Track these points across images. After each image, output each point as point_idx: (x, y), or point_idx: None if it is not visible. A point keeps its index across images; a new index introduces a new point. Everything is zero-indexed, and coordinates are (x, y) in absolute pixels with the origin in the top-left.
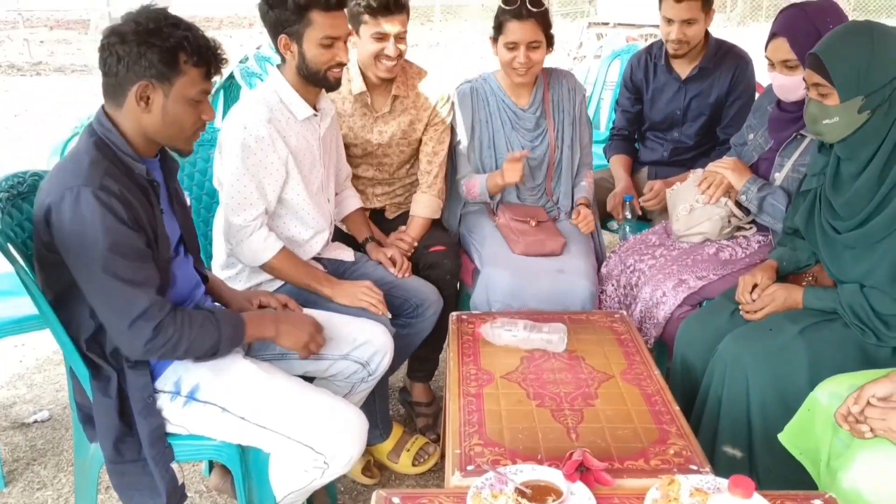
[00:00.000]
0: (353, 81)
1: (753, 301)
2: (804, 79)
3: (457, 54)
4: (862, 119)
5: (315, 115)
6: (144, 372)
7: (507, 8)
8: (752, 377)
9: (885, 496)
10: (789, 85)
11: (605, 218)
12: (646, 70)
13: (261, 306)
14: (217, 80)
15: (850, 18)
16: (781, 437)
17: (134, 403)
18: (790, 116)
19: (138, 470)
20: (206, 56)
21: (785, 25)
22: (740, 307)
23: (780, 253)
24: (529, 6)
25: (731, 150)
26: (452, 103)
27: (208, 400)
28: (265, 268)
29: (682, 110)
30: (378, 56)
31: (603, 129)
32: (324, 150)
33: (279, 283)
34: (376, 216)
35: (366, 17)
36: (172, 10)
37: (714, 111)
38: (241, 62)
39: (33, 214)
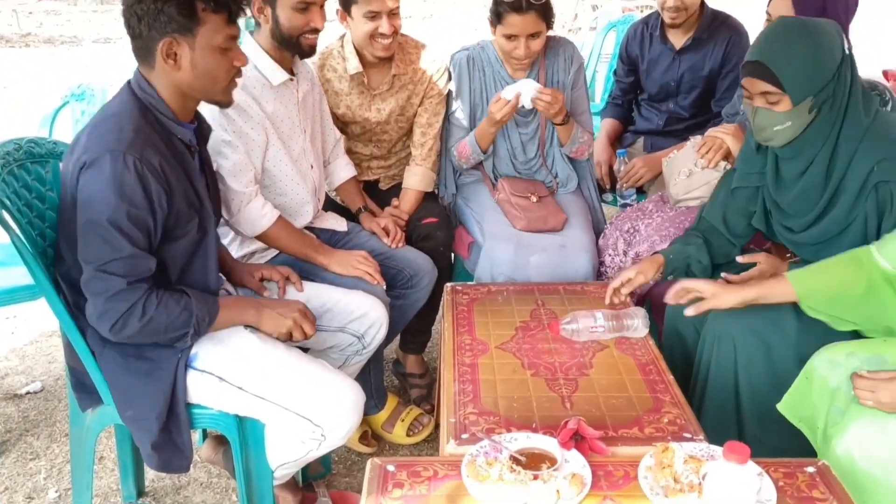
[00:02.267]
0: (348, 61)
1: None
2: (743, 86)
3: (451, 26)
4: (810, 119)
5: (292, 80)
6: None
7: (507, 0)
8: (740, 347)
9: (876, 462)
10: None
11: (602, 190)
12: (641, 40)
13: (262, 279)
14: (242, 21)
15: None
16: (780, 406)
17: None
18: None
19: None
20: (224, 0)
21: None
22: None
23: (671, 249)
24: None
25: (724, 120)
26: (449, 74)
27: (206, 369)
28: (262, 237)
29: (676, 82)
30: (373, 35)
31: (598, 100)
32: (304, 116)
33: (272, 253)
34: (369, 187)
35: None
36: None
37: (707, 84)
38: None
39: (63, 172)
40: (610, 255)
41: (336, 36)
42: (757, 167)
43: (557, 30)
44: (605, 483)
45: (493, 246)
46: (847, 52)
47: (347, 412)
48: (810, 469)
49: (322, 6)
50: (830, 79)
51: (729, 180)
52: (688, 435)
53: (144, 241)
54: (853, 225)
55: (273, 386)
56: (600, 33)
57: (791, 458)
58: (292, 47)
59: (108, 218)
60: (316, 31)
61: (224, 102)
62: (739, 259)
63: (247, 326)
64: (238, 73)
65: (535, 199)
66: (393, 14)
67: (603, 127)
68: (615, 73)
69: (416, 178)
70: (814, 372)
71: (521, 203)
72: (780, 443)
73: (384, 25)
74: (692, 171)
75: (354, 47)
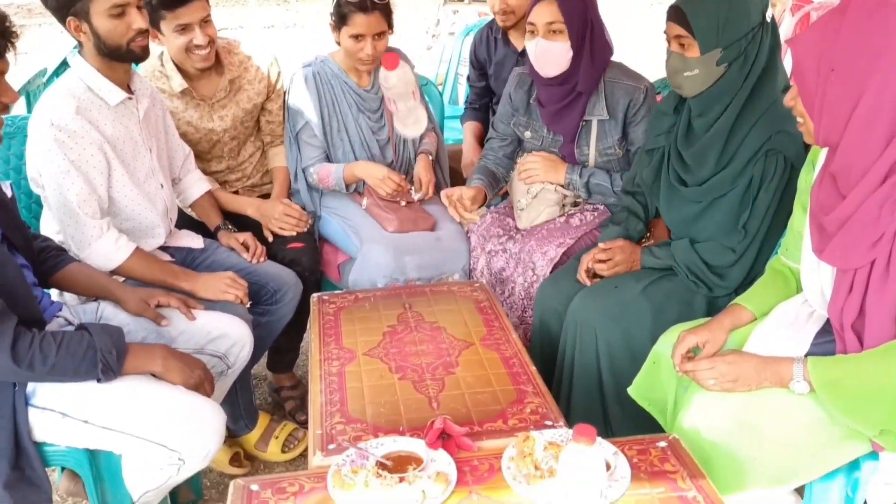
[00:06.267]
0: (172, 79)
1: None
2: (665, 32)
3: (315, 35)
4: (719, 72)
5: (130, 98)
6: None
7: (351, 0)
8: (600, 333)
9: (718, 432)
10: (550, 52)
11: None
12: (487, 45)
13: (158, 306)
14: (11, 56)
15: None
16: (631, 390)
17: None
18: (560, 107)
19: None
20: None
21: None
22: (591, 264)
23: (616, 232)
24: None
25: None
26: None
27: (46, 406)
28: (117, 270)
29: None
30: (188, 48)
31: (461, 104)
32: (147, 134)
33: (120, 278)
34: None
35: (163, 13)
36: None
37: None
38: (75, 48)
39: None
40: (474, 258)
41: (154, 55)
42: (664, 128)
43: (421, 35)
44: (471, 478)
45: (370, 249)
46: (768, 19)
47: (206, 433)
48: (662, 444)
49: (138, 6)
50: (741, 37)
51: (647, 144)
52: (549, 422)
53: None
54: (737, 187)
55: (121, 415)
56: (459, 37)
57: (644, 435)
58: (124, 56)
59: None
60: (142, 31)
61: None
62: (598, 253)
63: None
64: (5, 108)
65: (403, 204)
66: (205, 22)
67: (468, 130)
68: (468, 78)
69: (283, 154)
70: (660, 356)
71: (390, 205)
72: (640, 422)
73: (198, 37)
74: (529, 203)
75: (174, 63)
